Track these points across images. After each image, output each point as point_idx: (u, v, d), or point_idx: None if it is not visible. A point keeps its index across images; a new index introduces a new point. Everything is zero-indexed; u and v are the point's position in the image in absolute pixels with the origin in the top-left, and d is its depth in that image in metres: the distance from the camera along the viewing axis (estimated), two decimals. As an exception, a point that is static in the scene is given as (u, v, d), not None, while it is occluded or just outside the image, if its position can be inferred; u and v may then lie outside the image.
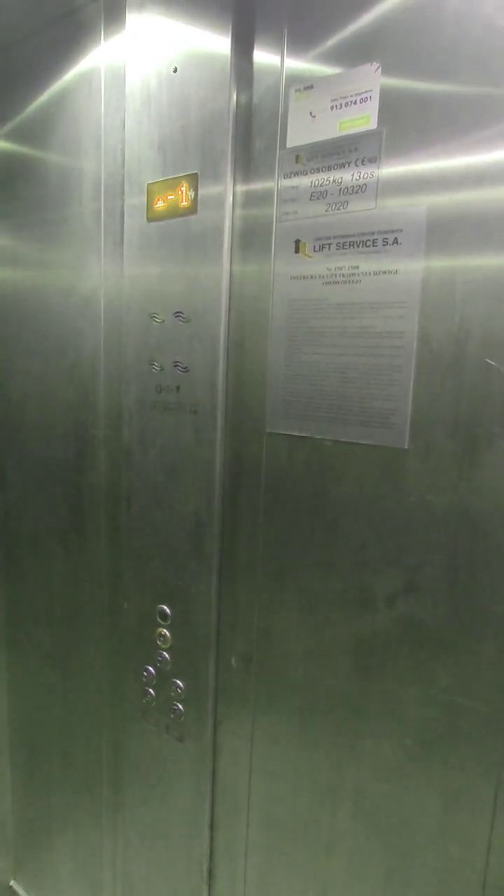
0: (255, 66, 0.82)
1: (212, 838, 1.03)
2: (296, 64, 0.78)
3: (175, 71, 0.86)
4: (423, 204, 0.68)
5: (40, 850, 1.46)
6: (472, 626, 0.71)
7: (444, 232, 0.67)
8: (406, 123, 0.69)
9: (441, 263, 0.68)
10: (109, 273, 1.04)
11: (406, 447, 0.72)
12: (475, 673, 0.71)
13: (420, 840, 0.78)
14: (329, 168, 0.75)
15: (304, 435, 0.81)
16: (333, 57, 0.74)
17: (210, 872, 1.04)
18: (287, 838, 0.93)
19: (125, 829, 1.17)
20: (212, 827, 1.03)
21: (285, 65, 0.79)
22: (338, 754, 0.85)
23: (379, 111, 0.70)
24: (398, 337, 0.71)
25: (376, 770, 0.81)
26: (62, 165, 1.10)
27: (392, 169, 0.70)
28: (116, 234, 1.02)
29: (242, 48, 0.82)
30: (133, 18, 0.91)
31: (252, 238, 0.84)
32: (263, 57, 0.81)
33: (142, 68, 0.90)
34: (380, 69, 0.70)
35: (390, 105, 0.70)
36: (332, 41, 0.74)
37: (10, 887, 1.55)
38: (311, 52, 0.76)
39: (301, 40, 0.77)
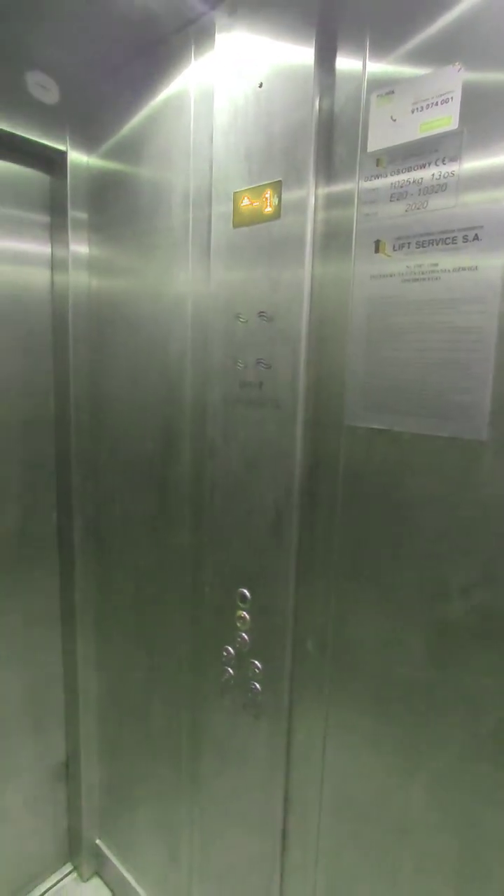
0: (336, 74, 0.85)
1: (285, 813, 1.08)
2: (377, 69, 0.80)
3: (261, 86, 0.92)
4: (505, 200, 0.70)
5: (124, 813, 1.58)
6: (552, 618, 0.71)
7: (526, 227, 0.68)
8: (488, 121, 0.70)
9: (523, 258, 0.69)
10: (197, 277, 1.12)
11: (484, 439, 0.74)
12: None
13: (497, 830, 0.79)
14: (409, 169, 0.77)
15: (382, 427, 0.84)
16: (416, 59, 0.76)
17: (283, 845, 1.09)
18: (359, 820, 0.96)
19: (202, 799, 1.24)
20: (285, 802, 1.08)
21: (367, 70, 0.81)
22: (411, 742, 0.87)
23: (461, 110, 0.72)
24: (477, 332, 0.73)
25: (449, 760, 0.83)
26: (154, 179, 1.19)
27: (473, 167, 0.72)
28: (203, 241, 1.09)
29: (325, 57, 0.86)
30: (222, 38, 0.98)
31: (332, 240, 0.88)
32: (345, 64, 0.84)
33: (229, 86, 0.97)
34: (462, 70, 0.71)
35: (472, 103, 0.71)
36: (413, 43, 0.76)
37: (97, 844, 1.68)
38: (392, 55, 0.78)
39: (383, 45, 0.80)
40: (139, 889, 1.53)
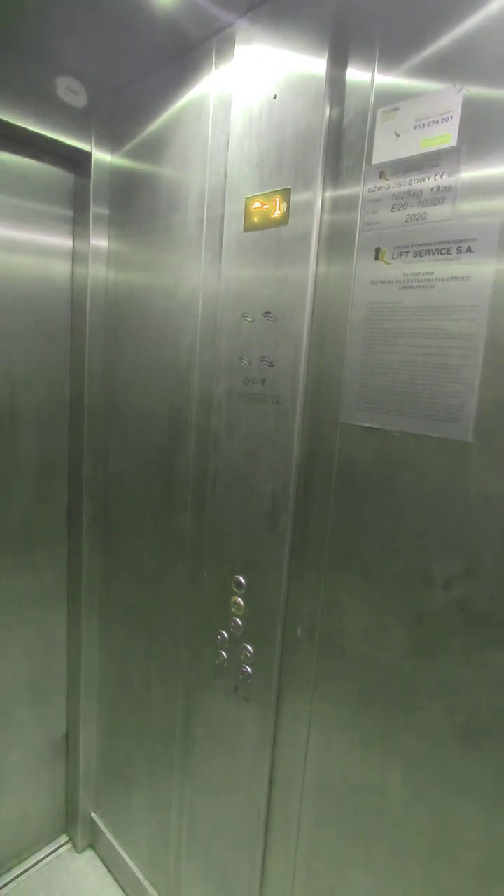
0: (347, 87, 0.89)
1: (269, 793, 1.13)
2: (385, 83, 0.84)
3: (275, 98, 0.96)
4: (499, 214, 0.73)
5: (119, 789, 1.64)
6: (525, 612, 0.75)
7: (516, 241, 0.72)
8: (486, 138, 0.74)
9: (513, 270, 0.73)
10: (207, 276, 1.17)
11: (470, 440, 0.78)
12: (525, 657, 0.75)
13: (468, 814, 0.83)
14: (410, 182, 0.81)
15: (375, 426, 0.88)
16: (420, 74, 0.80)
17: (266, 824, 1.14)
18: (339, 801, 1.01)
19: (193, 776, 1.30)
20: (270, 783, 1.13)
21: (375, 84, 0.85)
22: (391, 726, 0.91)
23: (460, 127, 0.76)
24: (467, 338, 0.77)
25: (427, 743, 0.87)
26: (172, 180, 1.24)
27: (469, 182, 0.76)
28: (215, 242, 1.14)
29: (336, 72, 0.90)
30: (241, 50, 1.03)
31: (336, 246, 0.93)
32: (355, 77, 0.89)
33: (246, 97, 1.01)
34: (462, 90, 0.75)
35: (471, 121, 0.75)
36: (419, 60, 0.80)
37: (92, 818, 1.74)
38: (400, 69, 0.82)
39: (391, 60, 0.83)
40: (131, 864, 1.59)
